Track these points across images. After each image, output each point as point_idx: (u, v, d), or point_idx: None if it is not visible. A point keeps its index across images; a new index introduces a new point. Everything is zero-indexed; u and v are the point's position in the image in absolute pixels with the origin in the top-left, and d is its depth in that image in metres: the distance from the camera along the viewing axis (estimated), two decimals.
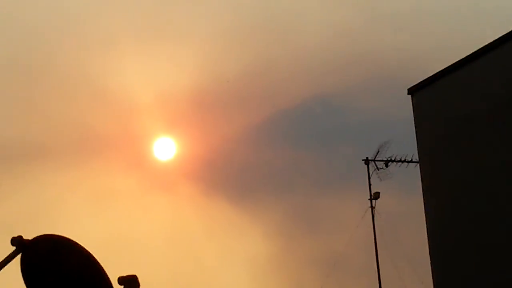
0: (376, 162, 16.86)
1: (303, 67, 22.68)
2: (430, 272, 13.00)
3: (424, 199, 13.10)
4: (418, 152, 13.75)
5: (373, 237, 17.22)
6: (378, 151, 16.70)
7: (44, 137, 21.95)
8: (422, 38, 23.13)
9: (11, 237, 6.30)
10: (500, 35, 12.07)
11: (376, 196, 16.84)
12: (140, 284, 5.97)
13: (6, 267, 6.28)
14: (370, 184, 17.16)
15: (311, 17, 23.42)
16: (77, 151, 21.18)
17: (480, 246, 12.21)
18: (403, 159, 15.96)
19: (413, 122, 13.42)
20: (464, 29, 22.47)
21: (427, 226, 13.04)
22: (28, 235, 6.19)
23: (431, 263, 12.92)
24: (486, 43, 12.61)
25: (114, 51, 21.19)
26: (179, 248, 18.48)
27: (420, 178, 13.41)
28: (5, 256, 5.42)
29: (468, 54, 12.71)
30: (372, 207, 16.79)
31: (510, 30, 11.74)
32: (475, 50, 12.63)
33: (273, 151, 21.71)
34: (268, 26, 22.41)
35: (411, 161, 15.77)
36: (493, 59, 12.64)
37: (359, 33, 23.78)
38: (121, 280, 5.14)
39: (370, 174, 16.99)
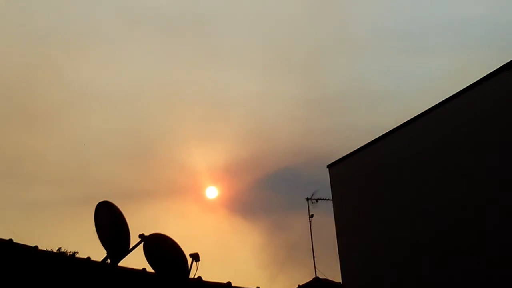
0: (311, 199, 19.48)
1: (277, 152, 27.65)
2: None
3: (335, 220, 15.75)
4: (332, 198, 16.09)
5: (310, 236, 20.07)
6: (313, 194, 19.17)
7: (147, 185, 26.82)
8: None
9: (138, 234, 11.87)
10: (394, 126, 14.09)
11: (311, 215, 19.83)
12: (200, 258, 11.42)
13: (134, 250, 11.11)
14: (309, 210, 19.75)
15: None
16: (167, 193, 26.56)
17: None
18: (325, 198, 18.28)
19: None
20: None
21: (336, 232, 15.68)
22: (146, 233, 10.50)
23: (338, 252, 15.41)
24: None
25: (188, 144, 25.73)
26: (219, 242, 23.56)
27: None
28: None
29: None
30: (310, 221, 19.83)
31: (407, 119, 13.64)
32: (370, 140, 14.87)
33: (265, 193, 27.61)
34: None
35: (330, 199, 16.48)
36: (375, 149, 14.87)
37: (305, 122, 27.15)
38: (190, 255, 10.71)
39: (309, 205, 19.46)
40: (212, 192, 23.05)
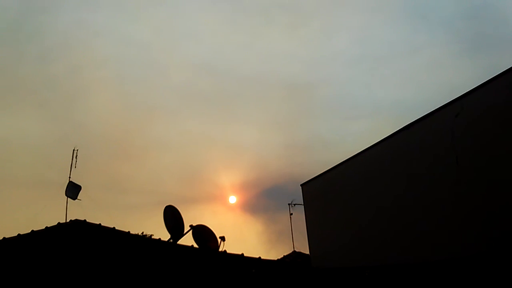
0: (291, 204, 18.17)
1: (271, 176, 26.69)
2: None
3: (305, 217, 15.07)
4: (303, 203, 15.39)
5: (290, 226, 18.61)
6: (292, 200, 17.98)
7: (195, 194, 26.01)
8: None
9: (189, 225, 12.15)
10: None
11: (291, 214, 18.15)
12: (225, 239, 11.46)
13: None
14: (290, 211, 18.24)
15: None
16: (206, 199, 25.13)
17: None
18: (299, 203, 16.15)
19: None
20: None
21: (306, 223, 15.00)
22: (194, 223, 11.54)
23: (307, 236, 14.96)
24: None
25: (218, 170, 24.74)
26: (237, 229, 22.16)
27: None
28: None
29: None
30: (290, 218, 18.26)
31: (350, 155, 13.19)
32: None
33: (264, 200, 26.42)
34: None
35: (302, 204, 15.60)
36: (327, 175, 14.27)
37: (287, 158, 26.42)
38: (220, 237, 10.83)
39: (290, 208, 18.16)
40: (232, 199, 22.87)
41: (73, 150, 14.51)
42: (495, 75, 8.76)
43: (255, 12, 25.69)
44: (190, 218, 11.27)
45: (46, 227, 11.66)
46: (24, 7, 22.43)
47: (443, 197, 9.78)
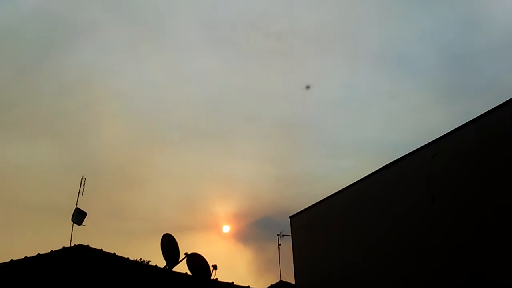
0: (280, 235, 17.71)
1: (262, 207, 26.38)
2: None
3: (292, 247, 14.71)
4: (291, 234, 15.06)
5: (278, 256, 18.32)
6: (281, 231, 17.39)
7: (191, 223, 25.03)
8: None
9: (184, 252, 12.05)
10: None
11: (280, 244, 17.92)
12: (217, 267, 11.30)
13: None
14: (278, 241, 17.71)
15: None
16: (201, 228, 25.21)
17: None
18: (287, 234, 15.64)
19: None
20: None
21: (293, 254, 14.61)
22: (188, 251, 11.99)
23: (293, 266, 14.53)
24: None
25: (214, 200, 23.98)
26: (228, 257, 21.76)
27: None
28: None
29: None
30: (279, 248, 17.86)
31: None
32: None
33: (255, 230, 26.04)
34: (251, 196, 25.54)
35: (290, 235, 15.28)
36: (314, 209, 13.95)
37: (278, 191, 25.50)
38: (212, 265, 10.72)
39: (279, 238, 17.56)
40: (226, 228, 22.55)
41: (82, 178, 14.46)
42: (467, 121, 8.85)
43: (253, 57, 25.90)
44: (185, 246, 11.18)
45: (52, 251, 12.09)
46: (46, 45, 22.84)
47: (421, 233, 9.73)
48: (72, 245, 12.70)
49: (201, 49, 25.63)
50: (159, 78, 25.00)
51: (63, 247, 12.26)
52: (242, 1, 25.64)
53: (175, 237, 11.15)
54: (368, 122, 24.15)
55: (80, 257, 12.04)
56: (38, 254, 11.34)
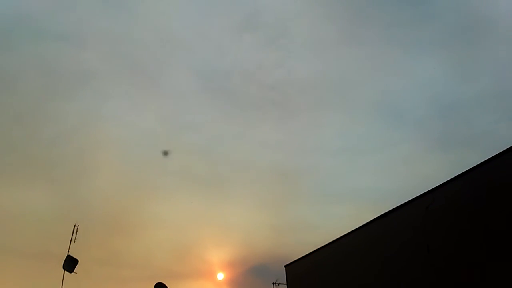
0: (275, 283, 16.59)
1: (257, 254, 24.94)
2: None
3: None
4: (286, 283, 15.28)
5: None
6: (277, 279, 16.61)
7: (184, 270, 23.73)
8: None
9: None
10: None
11: None
12: None
13: None
14: None
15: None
16: (195, 275, 23.61)
17: None
18: (283, 283, 15.90)
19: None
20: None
21: None
22: None
23: None
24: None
25: (208, 247, 23.21)
26: None
27: None
28: None
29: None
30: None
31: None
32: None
33: (250, 277, 23.69)
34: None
35: (285, 283, 15.73)
36: (311, 257, 14.06)
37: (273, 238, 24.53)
38: None
39: (275, 286, 16.99)
40: (220, 276, 22.15)
41: (74, 225, 14.35)
42: (459, 172, 9.00)
43: (249, 107, 26.40)
44: None
45: None
46: (44, 92, 23.21)
47: (416, 281, 9.73)
48: None
49: (197, 98, 26.02)
50: (155, 126, 25.30)
51: None
52: (238, 52, 26.30)
53: (168, 285, 11.03)
54: (362, 171, 24.26)
55: None
56: None
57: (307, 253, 14.29)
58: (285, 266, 15.16)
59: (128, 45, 25.00)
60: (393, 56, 24.53)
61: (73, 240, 14.06)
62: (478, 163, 8.63)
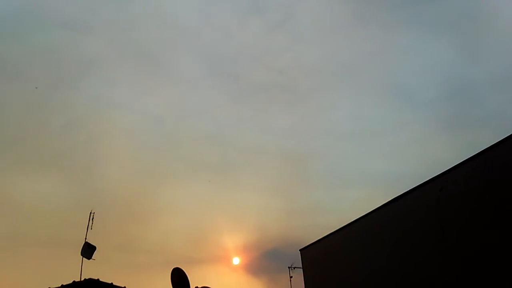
0: (290, 267, 16.93)
1: (271, 239, 25.12)
2: None
3: (304, 280, 14.87)
4: (302, 267, 15.25)
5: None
6: (292, 263, 16.99)
7: (201, 255, 24.13)
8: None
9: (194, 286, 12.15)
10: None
11: (291, 276, 16.93)
12: None
13: None
14: (289, 273, 16.97)
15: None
16: (211, 260, 23.94)
17: None
18: (298, 267, 15.96)
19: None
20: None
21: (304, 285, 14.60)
22: (198, 285, 11.98)
23: None
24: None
25: (223, 233, 23.24)
26: (241, 284, 22.41)
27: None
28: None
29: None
30: (290, 280, 16.97)
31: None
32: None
33: (265, 262, 24.42)
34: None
35: (300, 267, 15.77)
36: (325, 241, 14.01)
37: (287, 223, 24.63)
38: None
39: (290, 270, 16.79)
40: (236, 260, 22.36)
41: (90, 212, 14.56)
42: (472, 153, 9.04)
43: (257, 91, 26.52)
44: (195, 279, 11.14)
45: (62, 285, 11.71)
46: (52, 81, 23.46)
47: (430, 264, 9.74)
48: (82, 279, 12.49)
49: (205, 84, 26.18)
50: (164, 112, 25.59)
51: (73, 281, 12.15)
52: (244, 35, 26.36)
53: (184, 270, 11.10)
54: (372, 153, 24.29)
55: None
56: None
57: (321, 236, 14.36)
58: (300, 250, 15.25)
59: (134, 31, 25.20)
60: (403, 37, 24.47)
61: (89, 227, 14.28)
62: (491, 144, 8.65)
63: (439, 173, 9.82)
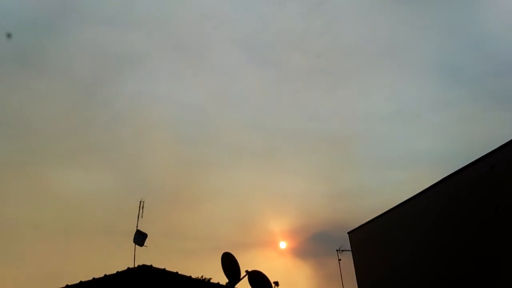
0: (338, 250, 16.39)
1: (317, 222, 25.20)
2: None
3: (354, 262, 15.00)
4: (351, 249, 15.29)
5: (340, 271, 16.75)
6: (340, 246, 16.54)
7: (249, 240, 24.57)
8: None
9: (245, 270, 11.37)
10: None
11: (340, 259, 16.18)
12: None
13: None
14: (338, 256, 16.24)
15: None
16: (259, 245, 24.06)
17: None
18: (347, 249, 16.03)
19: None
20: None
21: (355, 268, 14.86)
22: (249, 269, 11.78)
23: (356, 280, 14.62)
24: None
25: (269, 218, 22.90)
26: (287, 273, 20.63)
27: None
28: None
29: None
30: (339, 263, 16.10)
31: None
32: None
33: (312, 245, 24.02)
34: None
35: (349, 250, 16.01)
36: (373, 224, 14.07)
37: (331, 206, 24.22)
38: (273, 282, 10.78)
39: (338, 253, 16.17)
40: (283, 245, 22.51)
41: (140, 201, 14.90)
42: None
43: (298, 76, 26.18)
44: (244, 263, 11.34)
45: (117, 272, 12.06)
46: (97, 76, 23.99)
47: (486, 242, 9.62)
48: (135, 265, 12.72)
49: (244, 71, 26.06)
50: (205, 102, 25.69)
51: (128, 268, 12.38)
52: (280, 21, 26.04)
53: (233, 254, 11.36)
54: (418, 134, 23.83)
55: (144, 277, 12.04)
56: (105, 275, 11.62)
57: (369, 219, 14.35)
58: (348, 232, 15.32)
59: (171, 23, 25.28)
60: (445, 13, 23.69)
61: (140, 216, 14.68)
62: None
63: (489, 151, 9.56)
